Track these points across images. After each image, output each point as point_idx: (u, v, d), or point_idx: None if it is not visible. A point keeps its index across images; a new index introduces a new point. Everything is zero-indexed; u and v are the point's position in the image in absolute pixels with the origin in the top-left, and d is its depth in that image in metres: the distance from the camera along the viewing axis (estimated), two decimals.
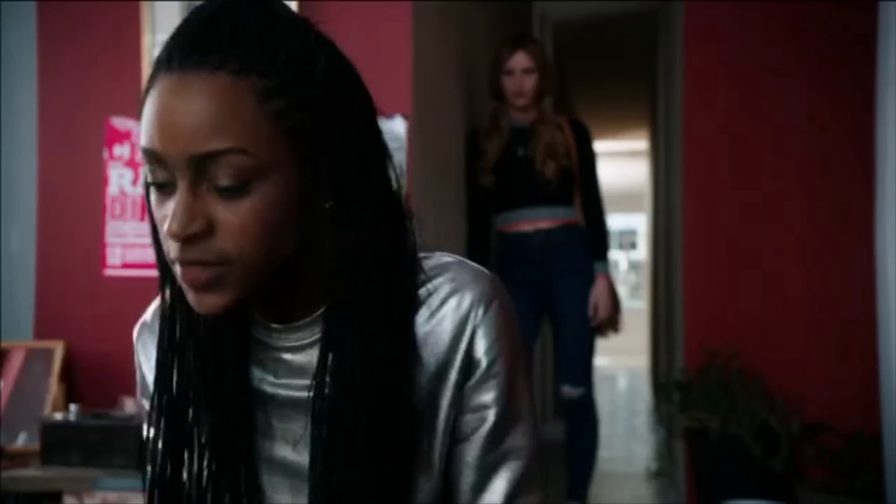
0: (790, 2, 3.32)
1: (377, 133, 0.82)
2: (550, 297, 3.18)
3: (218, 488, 0.85)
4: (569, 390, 3.15)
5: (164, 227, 0.74)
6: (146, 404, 0.92)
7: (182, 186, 0.73)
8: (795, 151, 3.35)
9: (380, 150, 0.82)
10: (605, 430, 4.42)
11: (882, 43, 2.40)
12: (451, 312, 0.83)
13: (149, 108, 0.74)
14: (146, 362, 0.94)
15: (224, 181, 0.73)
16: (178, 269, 0.76)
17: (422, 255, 0.86)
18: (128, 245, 2.57)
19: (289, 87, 0.74)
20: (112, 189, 2.60)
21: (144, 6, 2.53)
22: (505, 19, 4.38)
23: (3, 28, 2.75)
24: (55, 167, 2.67)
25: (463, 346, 0.83)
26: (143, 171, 0.78)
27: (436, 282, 0.84)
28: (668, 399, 3.38)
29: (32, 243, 2.67)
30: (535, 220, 3.16)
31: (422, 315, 0.84)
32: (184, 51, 0.73)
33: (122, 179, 2.59)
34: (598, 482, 3.96)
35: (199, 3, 0.76)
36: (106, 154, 2.60)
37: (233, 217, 0.73)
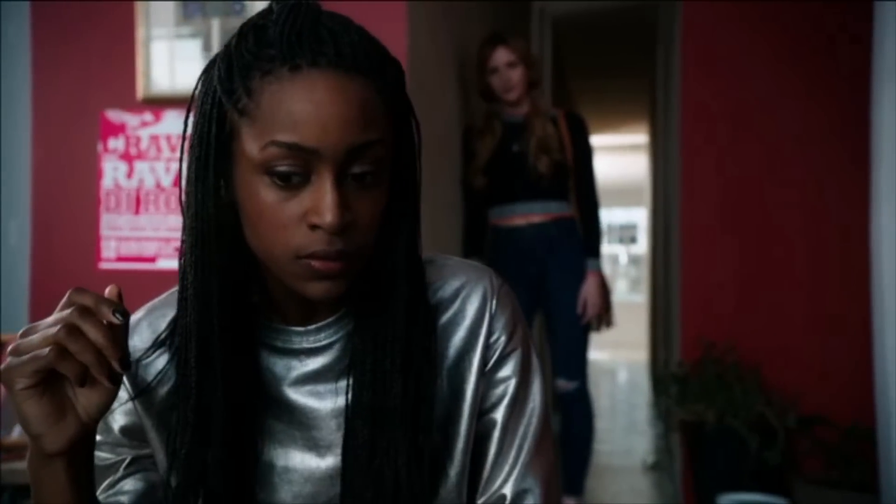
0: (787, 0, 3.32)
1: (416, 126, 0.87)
2: (544, 292, 3.18)
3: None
4: (564, 384, 3.15)
5: (305, 221, 0.75)
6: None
7: (329, 179, 0.75)
8: (793, 146, 3.35)
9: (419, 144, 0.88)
10: (604, 424, 4.44)
11: (877, 41, 2.39)
12: (467, 304, 0.88)
13: (297, 105, 0.73)
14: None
15: (367, 167, 0.76)
16: (305, 262, 0.76)
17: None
18: (122, 238, 2.57)
19: (384, 84, 0.78)
20: (106, 182, 2.60)
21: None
22: (503, 15, 4.37)
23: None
24: (50, 160, 2.67)
25: (483, 332, 0.88)
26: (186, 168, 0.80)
27: (446, 278, 0.89)
28: (666, 392, 3.38)
29: (27, 236, 2.67)
30: (528, 215, 3.15)
31: (437, 310, 0.88)
32: (325, 53, 0.75)
33: (117, 172, 2.59)
34: (595, 475, 3.96)
35: (273, 6, 0.78)
36: (100, 147, 2.61)
37: (363, 209, 0.77)
